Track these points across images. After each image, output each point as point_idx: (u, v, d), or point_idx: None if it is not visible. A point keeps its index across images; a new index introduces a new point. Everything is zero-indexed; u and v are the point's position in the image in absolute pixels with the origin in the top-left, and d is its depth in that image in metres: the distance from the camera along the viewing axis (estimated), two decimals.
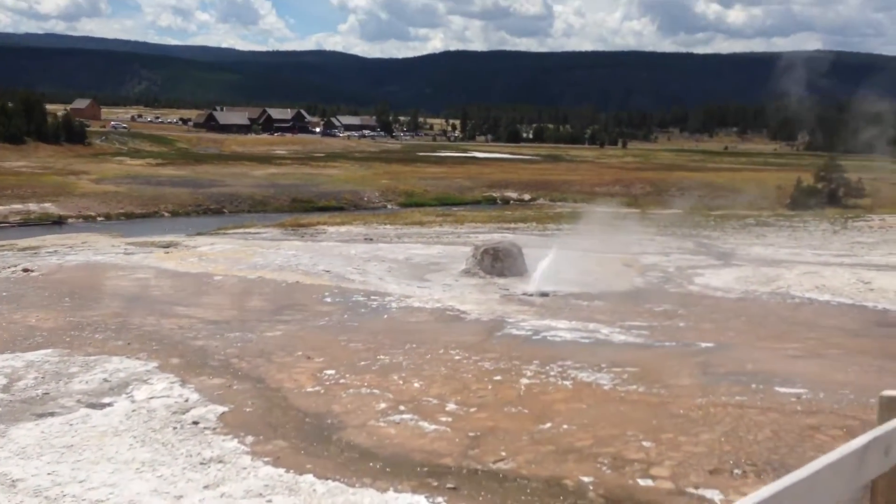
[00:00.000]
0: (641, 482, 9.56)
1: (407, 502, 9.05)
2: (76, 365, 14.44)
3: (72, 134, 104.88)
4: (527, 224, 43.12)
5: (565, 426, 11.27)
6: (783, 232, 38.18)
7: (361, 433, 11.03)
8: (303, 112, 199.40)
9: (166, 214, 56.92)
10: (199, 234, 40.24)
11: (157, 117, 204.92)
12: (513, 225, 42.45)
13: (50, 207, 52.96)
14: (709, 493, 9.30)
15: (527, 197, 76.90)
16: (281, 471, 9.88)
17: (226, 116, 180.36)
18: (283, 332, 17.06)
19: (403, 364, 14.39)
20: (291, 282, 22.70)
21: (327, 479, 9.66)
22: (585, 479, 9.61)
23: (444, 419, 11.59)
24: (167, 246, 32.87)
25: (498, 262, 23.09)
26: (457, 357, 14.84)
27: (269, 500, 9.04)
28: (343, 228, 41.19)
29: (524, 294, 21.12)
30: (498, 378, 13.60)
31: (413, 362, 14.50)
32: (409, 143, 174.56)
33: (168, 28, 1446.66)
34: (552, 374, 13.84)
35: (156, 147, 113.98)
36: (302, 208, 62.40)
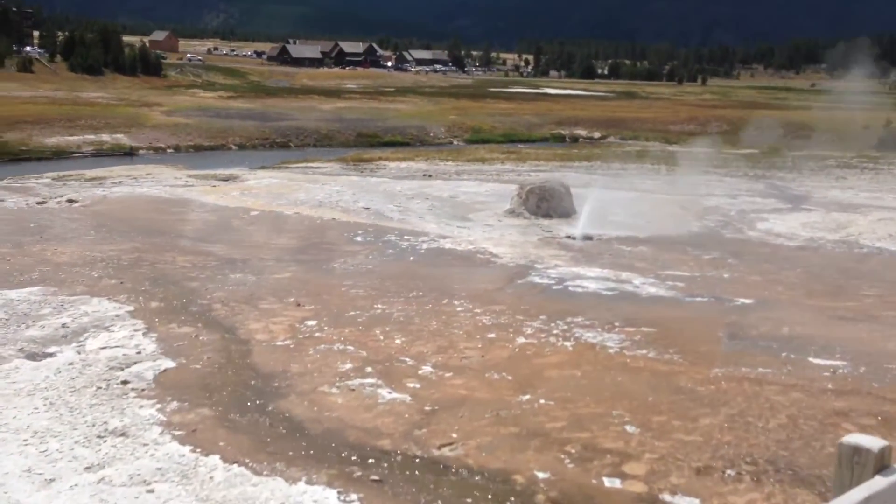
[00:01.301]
0: (607, 482, 8.19)
1: (314, 498, 7.88)
2: (50, 306, 14.16)
3: (148, 66, 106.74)
4: (591, 163, 41.96)
5: (543, 400, 10.28)
6: (865, 175, 36.22)
7: (303, 402, 10.18)
8: (375, 46, 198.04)
9: (233, 147, 57.41)
10: (261, 167, 40.47)
11: (233, 50, 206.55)
12: (577, 163, 41.37)
13: (122, 139, 53.91)
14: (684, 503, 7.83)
15: (597, 135, 74.95)
16: (186, 449, 8.83)
17: (298, 50, 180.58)
18: (292, 274, 16.75)
19: (395, 315, 13.86)
20: (327, 219, 22.56)
21: (234, 462, 8.54)
22: (541, 474, 8.32)
23: (410, 385, 10.76)
24: (226, 179, 33.15)
25: (544, 203, 22.38)
26: (459, 308, 14.31)
27: (152, 490, 7.98)
28: (404, 164, 40.83)
29: (567, 237, 20.47)
30: (492, 335, 12.89)
31: (407, 314, 13.99)
32: (480, 78, 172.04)
33: None
34: (555, 332, 13.10)
35: (228, 80, 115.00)
36: (367, 143, 62.16)
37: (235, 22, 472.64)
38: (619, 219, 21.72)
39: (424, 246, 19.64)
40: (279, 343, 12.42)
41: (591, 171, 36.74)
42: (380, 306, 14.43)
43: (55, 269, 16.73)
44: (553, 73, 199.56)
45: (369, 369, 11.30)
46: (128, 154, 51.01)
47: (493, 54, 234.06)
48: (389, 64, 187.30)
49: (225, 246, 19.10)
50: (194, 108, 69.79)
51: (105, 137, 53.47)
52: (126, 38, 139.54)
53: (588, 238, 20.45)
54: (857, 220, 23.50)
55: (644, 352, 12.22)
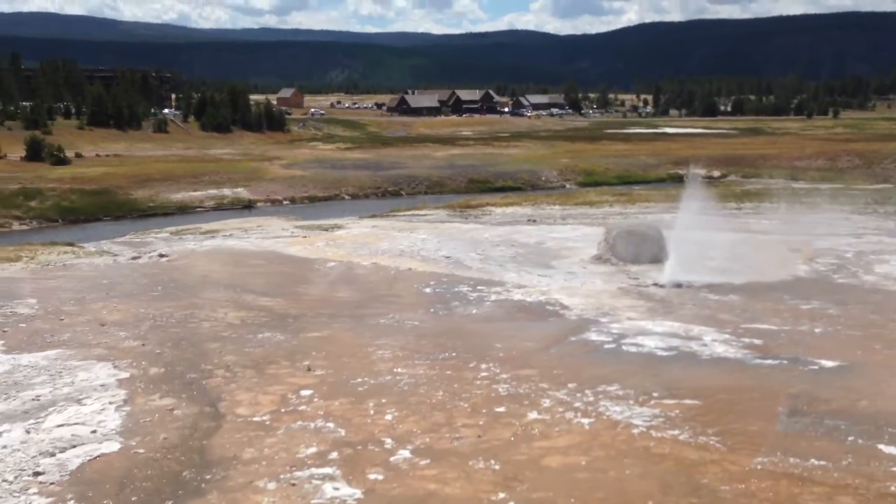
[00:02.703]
0: None
1: None
2: (49, 373, 14.37)
3: (272, 122, 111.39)
4: (704, 203, 40.16)
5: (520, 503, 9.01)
6: None
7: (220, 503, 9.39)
8: (491, 92, 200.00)
9: (346, 197, 58.73)
10: (370, 216, 41.01)
11: (355, 103, 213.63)
12: (688, 204, 39.68)
13: (242, 192, 56.16)
14: None
15: (716, 174, 72.25)
16: None
17: (416, 100, 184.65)
18: (330, 332, 16.61)
19: (403, 383, 13.37)
20: (403, 269, 22.41)
21: None
22: None
23: (371, 477, 9.95)
24: (329, 228, 33.70)
25: (633, 247, 21.32)
26: (483, 374, 13.65)
27: None
28: (510, 209, 40.45)
29: (654, 284, 19.39)
30: (501, 409, 12.05)
31: (418, 381, 13.46)
32: (596, 119, 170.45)
33: (369, 16, 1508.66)
34: (577, 405, 12.12)
35: (348, 132, 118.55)
36: (478, 189, 62.21)
37: (359, 76, 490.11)
38: (716, 263, 20.44)
39: (493, 297, 19.19)
40: (256, 419, 12.11)
41: (703, 212, 35.12)
42: (399, 370, 14.02)
43: (95, 329, 17.22)
44: (673, 112, 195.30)
45: (334, 455, 10.66)
46: (246, 207, 53.05)
47: (611, 95, 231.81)
48: (506, 109, 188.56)
49: (285, 301, 19.36)
50: (311, 160, 72.07)
51: (226, 192, 55.85)
52: (255, 97, 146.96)
53: (677, 285, 19.27)
54: None
55: (676, 432, 10.93)
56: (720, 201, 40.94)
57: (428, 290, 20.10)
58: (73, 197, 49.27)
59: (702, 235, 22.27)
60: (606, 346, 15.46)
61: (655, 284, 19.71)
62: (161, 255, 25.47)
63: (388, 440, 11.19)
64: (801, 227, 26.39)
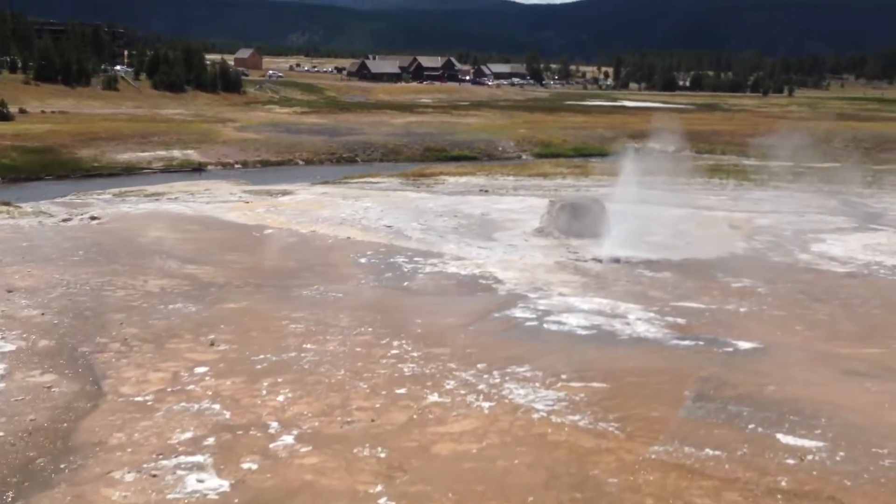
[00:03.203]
0: None
1: None
2: None
3: (228, 83, 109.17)
4: (656, 177, 40.36)
5: (394, 498, 8.74)
6: None
7: (65, 499, 8.85)
8: (453, 60, 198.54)
9: (300, 162, 57.82)
10: (322, 182, 40.44)
11: (315, 67, 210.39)
12: (641, 178, 39.84)
13: (192, 154, 54.94)
14: None
15: (671, 148, 72.56)
16: None
17: (377, 65, 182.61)
18: (249, 303, 16.15)
19: (306, 360, 13.01)
20: (342, 237, 22.17)
21: None
22: None
23: (245, 466, 9.41)
24: (278, 194, 33.16)
25: (575, 221, 21.24)
26: (393, 352, 13.44)
27: None
28: (463, 179, 40.20)
29: (593, 259, 19.41)
30: (402, 391, 11.77)
31: (323, 358, 13.14)
32: (557, 91, 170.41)
33: None
34: (481, 387, 11.86)
35: (305, 95, 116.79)
36: (434, 157, 61.75)
37: (320, 39, 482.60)
38: (658, 239, 20.51)
39: (428, 269, 19.05)
40: (138, 399, 11.57)
41: (654, 187, 35.29)
42: (308, 345, 13.68)
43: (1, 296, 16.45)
44: (633, 85, 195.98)
45: (210, 441, 10.10)
46: (196, 170, 51.91)
47: (573, 67, 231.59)
48: (468, 78, 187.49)
49: (213, 269, 18.95)
50: (266, 123, 70.81)
51: (176, 153, 54.60)
52: (213, 57, 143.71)
53: (616, 261, 19.31)
54: None
55: (576, 418, 10.73)
56: (671, 176, 41.19)
57: (363, 260, 19.87)
58: (14, 154, 47.68)
59: (647, 210, 22.32)
60: (528, 323, 15.34)
61: (594, 259, 19.72)
62: (93, 218, 24.76)
63: (274, 424, 10.76)
64: (746, 204, 26.62)
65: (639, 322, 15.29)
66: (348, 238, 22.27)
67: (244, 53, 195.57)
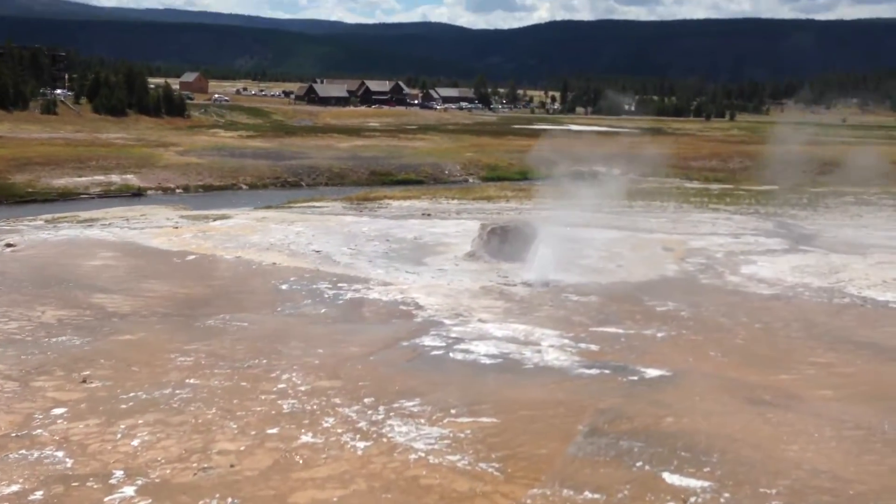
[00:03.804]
0: None
1: None
2: None
3: (172, 106, 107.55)
4: (599, 201, 40.72)
5: None
6: (884, 212, 34.54)
7: None
8: (401, 84, 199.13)
9: (244, 187, 57.04)
10: (266, 207, 39.85)
11: (262, 90, 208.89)
12: (583, 201, 40.12)
13: (132, 179, 53.79)
14: None
15: (616, 171, 73.49)
16: None
17: (325, 89, 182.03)
18: (146, 334, 15.54)
19: (178, 398, 12.26)
20: (267, 263, 21.70)
21: None
22: None
23: None
24: (216, 218, 32.53)
25: (506, 245, 21.11)
26: (280, 385, 12.81)
27: None
28: (406, 203, 39.98)
29: (523, 283, 19.27)
30: (273, 431, 11.15)
31: (198, 395, 12.44)
32: (505, 115, 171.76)
33: (279, 2, 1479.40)
34: (361, 424, 11.35)
35: (252, 119, 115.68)
36: (380, 181, 61.56)
37: (268, 63, 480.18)
38: (590, 262, 20.49)
39: (349, 295, 18.69)
40: None
41: (596, 210, 35.52)
42: (191, 380, 13.07)
43: None
44: (580, 109, 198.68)
45: (37, 495, 9.23)
46: (136, 195, 50.79)
47: (520, 91, 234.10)
48: (416, 102, 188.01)
49: (123, 297, 18.27)
50: (210, 147, 69.84)
51: (114, 178, 53.40)
52: (156, 80, 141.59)
53: (545, 285, 19.22)
54: (854, 263, 21.98)
55: (455, 458, 10.25)
56: (613, 198, 41.60)
57: (284, 286, 19.43)
58: None
59: (583, 233, 22.32)
60: (434, 352, 14.90)
61: (524, 283, 19.57)
62: (7, 245, 23.86)
63: (119, 472, 9.91)
64: (685, 227, 26.84)
65: (550, 349, 15.00)
66: (273, 263, 21.78)
67: (190, 77, 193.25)
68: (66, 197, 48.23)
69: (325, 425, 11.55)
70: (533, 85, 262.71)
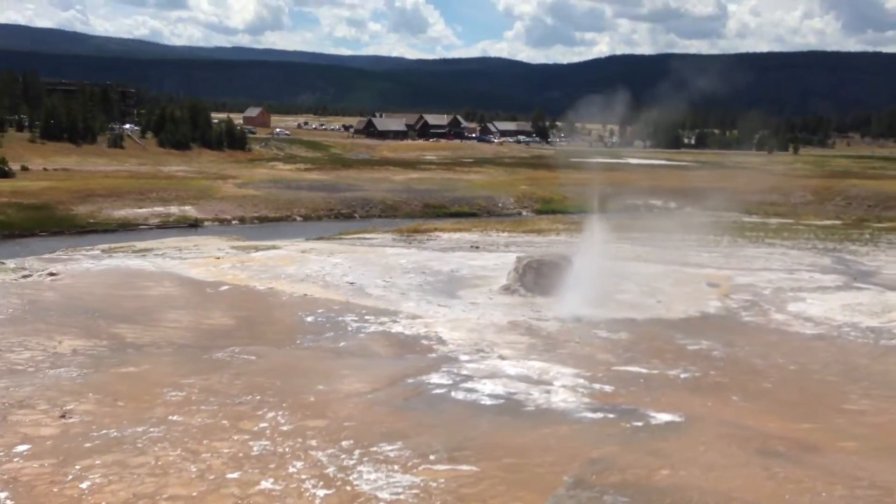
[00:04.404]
0: None
1: None
2: None
3: (233, 140, 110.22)
4: (652, 234, 39.96)
5: None
6: None
7: None
8: (459, 118, 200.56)
9: (298, 218, 57.76)
10: (318, 238, 40.20)
11: (322, 124, 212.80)
12: (636, 234, 39.46)
13: (189, 211, 54.96)
14: None
15: (672, 205, 72.50)
16: None
17: (384, 123, 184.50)
18: (147, 368, 15.31)
19: (148, 437, 11.90)
20: (298, 294, 21.55)
21: None
22: None
23: None
24: (269, 249, 32.86)
25: (542, 279, 20.61)
26: (261, 424, 12.43)
27: None
28: (456, 235, 39.86)
29: (555, 318, 18.72)
30: (233, 476, 10.70)
31: (171, 433, 12.05)
32: (563, 148, 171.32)
33: (343, 39, 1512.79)
34: (328, 470, 10.89)
35: (310, 153, 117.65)
36: (433, 213, 61.72)
37: (329, 98, 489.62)
38: (628, 297, 19.88)
39: (372, 329, 18.36)
40: None
41: (647, 243, 34.80)
42: (175, 417, 12.76)
43: None
44: (638, 143, 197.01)
45: None
46: (192, 226, 51.85)
47: (578, 124, 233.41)
48: (473, 135, 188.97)
49: (143, 328, 18.20)
50: (267, 180, 71.06)
51: (173, 210, 54.63)
52: (222, 115, 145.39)
53: (577, 320, 18.67)
54: None
55: None
56: (666, 232, 40.81)
57: (310, 318, 19.26)
58: (10, 211, 47.73)
59: (626, 267, 21.77)
60: (437, 391, 14.34)
61: (556, 318, 19.04)
62: (50, 275, 24.35)
63: None
64: (737, 261, 26.04)
65: (561, 390, 14.32)
66: (305, 295, 21.71)
67: (253, 112, 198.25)
68: (126, 227, 49.49)
69: (291, 470, 11.07)
70: (591, 119, 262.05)
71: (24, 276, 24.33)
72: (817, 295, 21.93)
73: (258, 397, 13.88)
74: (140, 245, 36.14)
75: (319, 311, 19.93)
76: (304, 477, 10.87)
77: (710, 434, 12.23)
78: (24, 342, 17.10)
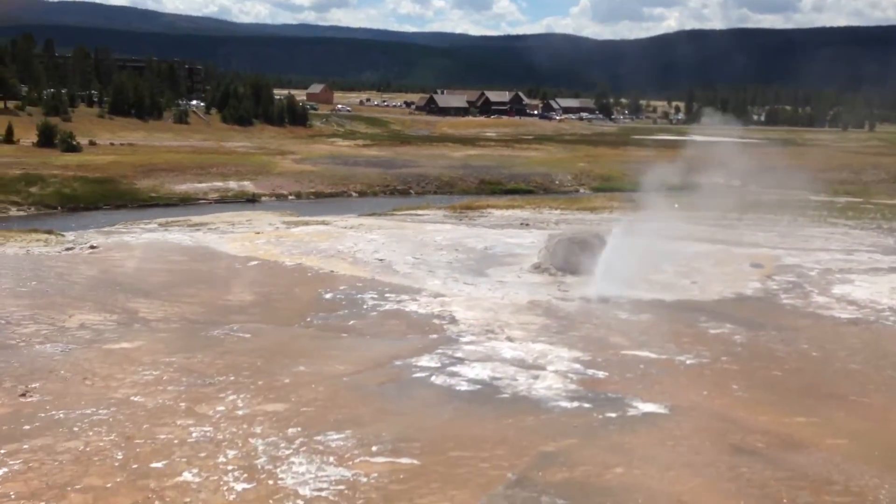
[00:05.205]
0: None
1: None
2: None
3: (295, 116, 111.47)
4: (710, 212, 38.91)
5: None
6: None
7: None
8: (521, 94, 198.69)
9: (354, 194, 58.07)
10: (370, 214, 40.30)
11: (384, 101, 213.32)
12: (694, 213, 38.46)
13: (248, 186, 55.75)
14: None
15: (736, 183, 70.47)
16: None
17: (445, 99, 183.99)
18: (140, 344, 15.12)
19: (89, 420, 11.50)
20: (325, 271, 21.40)
21: None
22: None
23: None
24: (321, 223, 33.09)
25: (573, 257, 20.08)
26: (219, 408, 12.04)
27: None
28: (508, 212, 39.49)
29: (581, 297, 18.18)
30: (157, 465, 10.24)
31: (119, 416, 11.68)
32: (626, 125, 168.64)
33: (407, 15, 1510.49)
34: (260, 461, 10.44)
35: (370, 129, 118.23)
36: (489, 190, 61.31)
37: (393, 75, 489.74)
38: (663, 277, 19.21)
39: (387, 307, 18.07)
40: None
41: (702, 222, 33.89)
42: (136, 398, 12.48)
43: None
44: (705, 120, 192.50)
45: None
46: (250, 200, 52.55)
47: (643, 102, 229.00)
48: (535, 112, 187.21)
49: (161, 302, 18.18)
50: (325, 156, 71.60)
51: (232, 184, 55.48)
52: (284, 91, 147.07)
53: (604, 300, 18.13)
54: None
55: None
56: (724, 211, 39.67)
57: (329, 295, 19.04)
58: (76, 184, 49.15)
59: (669, 245, 21.11)
60: (418, 374, 13.82)
61: (582, 298, 18.51)
62: (92, 248, 24.86)
63: None
64: (793, 241, 25.13)
65: (551, 375, 13.69)
66: (331, 271, 21.54)
67: (316, 88, 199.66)
68: (186, 202, 50.45)
69: (220, 460, 10.57)
70: (658, 95, 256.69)
71: (67, 249, 24.94)
72: (867, 277, 20.96)
73: (231, 378, 13.55)
74: (196, 219, 36.77)
75: (341, 287, 19.82)
76: (230, 468, 10.41)
77: (687, 428, 11.59)
78: (36, 315, 17.09)
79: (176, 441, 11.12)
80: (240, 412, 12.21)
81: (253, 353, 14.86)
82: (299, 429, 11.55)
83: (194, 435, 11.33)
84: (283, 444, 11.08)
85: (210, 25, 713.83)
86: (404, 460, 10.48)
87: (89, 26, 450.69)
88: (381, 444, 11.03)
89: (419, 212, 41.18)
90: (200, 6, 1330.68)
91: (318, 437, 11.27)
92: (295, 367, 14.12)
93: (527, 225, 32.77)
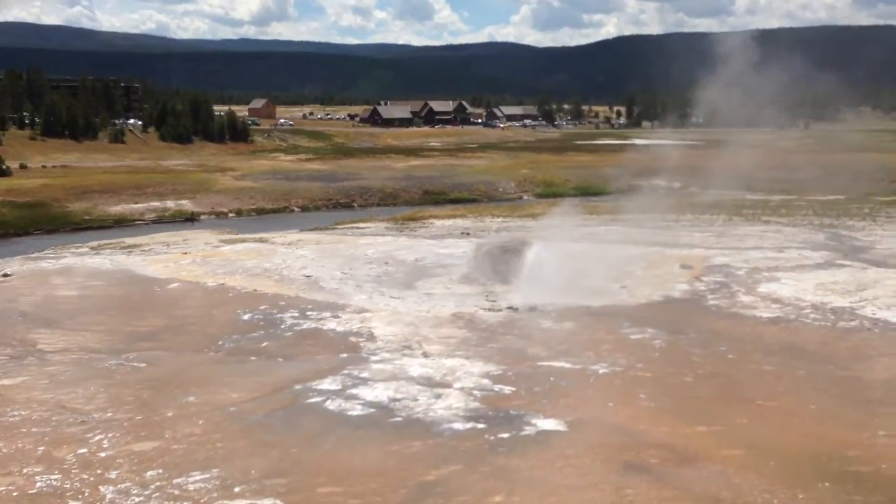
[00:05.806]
0: None
1: None
2: None
3: (236, 132, 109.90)
4: (648, 215, 39.31)
5: None
6: None
7: None
8: (464, 103, 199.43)
9: (296, 209, 57.35)
10: (313, 229, 39.78)
11: (327, 114, 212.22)
12: (631, 216, 38.82)
13: (186, 204, 54.64)
14: None
15: (676, 185, 71.61)
16: None
17: (388, 111, 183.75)
18: (23, 381, 14.40)
19: None
20: (247, 291, 20.93)
21: None
22: None
23: None
24: (258, 241, 32.54)
25: (501, 266, 20.04)
26: (80, 451, 11.48)
27: None
28: (450, 222, 39.38)
29: (509, 307, 18.07)
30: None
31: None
32: (569, 131, 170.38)
33: (349, 28, 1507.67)
34: (110, 496, 9.97)
35: (313, 143, 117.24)
36: (432, 200, 61.19)
37: (336, 88, 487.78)
38: (592, 282, 19.18)
39: (304, 326, 17.71)
40: None
41: (640, 224, 34.17)
42: None
43: None
44: (646, 123, 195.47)
45: None
46: (189, 219, 51.50)
47: (585, 107, 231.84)
48: (479, 121, 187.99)
49: (63, 332, 17.50)
50: (267, 171, 70.65)
51: (169, 204, 54.33)
52: (225, 107, 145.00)
53: (531, 309, 18.05)
54: (889, 279, 20.10)
55: None
56: (662, 213, 40.15)
57: (246, 316, 18.59)
58: (4, 210, 47.51)
59: (601, 250, 21.13)
60: (312, 399, 13.39)
61: (509, 307, 18.39)
62: (5, 275, 24.02)
63: None
64: (728, 240, 25.43)
65: (454, 393, 13.36)
66: (254, 291, 21.04)
67: (258, 104, 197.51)
68: (122, 223, 49.20)
69: (70, 492, 10.08)
70: (599, 101, 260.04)
71: None
72: (794, 274, 21.24)
73: (109, 414, 12.85)
74: (130, 241, 35.86)
75: (262, 307, 19.32)
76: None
77: (581, 445, 11.26)
78: None
79: (16, 493, 10.28)
80: (102, 454, 11.49)
81: (142, 385, 14.17)
82: (160, 471, 10.89)
83: (38, 485, 10.57)
84: (135, 491, 10.39)
85: (148, 42, 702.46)
86: (265, 502, 9.90)
87: (23, 46, 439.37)
88: (245, 483, 10.41)
89: (361, 225, 40.85)
90: (138, 23, 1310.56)
91: (178, 480, 10.63)
92: (184, 398, 13.48)
93: (467, 234, 32.63)
